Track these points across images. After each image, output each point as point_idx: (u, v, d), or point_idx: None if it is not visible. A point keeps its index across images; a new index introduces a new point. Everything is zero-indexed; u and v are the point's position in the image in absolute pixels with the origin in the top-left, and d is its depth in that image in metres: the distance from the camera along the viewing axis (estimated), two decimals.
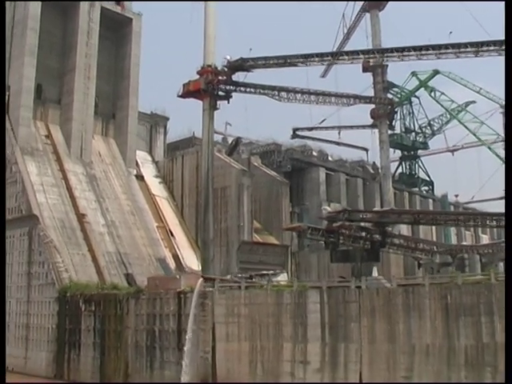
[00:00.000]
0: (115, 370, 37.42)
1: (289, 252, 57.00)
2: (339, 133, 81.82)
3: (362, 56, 46.57)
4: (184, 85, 50.76)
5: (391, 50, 50.39)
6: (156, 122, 62.98)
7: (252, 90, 52.29)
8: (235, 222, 52.65)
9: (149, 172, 59.11)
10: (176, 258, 52.20)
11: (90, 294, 39.83)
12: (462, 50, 46.58)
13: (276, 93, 53.53)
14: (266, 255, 54.38)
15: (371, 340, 29.35)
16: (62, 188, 49.76)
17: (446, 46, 46.86)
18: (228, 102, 51.30)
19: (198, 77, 51.06)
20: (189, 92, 50.52)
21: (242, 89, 51.88)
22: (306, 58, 48.26)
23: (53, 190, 48.92)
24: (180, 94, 51.10)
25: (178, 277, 35.49)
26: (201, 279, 33.42)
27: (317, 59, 47.89)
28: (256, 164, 59.23)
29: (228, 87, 50.96)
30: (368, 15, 74.57)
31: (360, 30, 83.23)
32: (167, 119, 63.97)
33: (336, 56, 47.41)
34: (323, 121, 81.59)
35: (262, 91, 52.96)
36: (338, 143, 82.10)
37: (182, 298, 34.34)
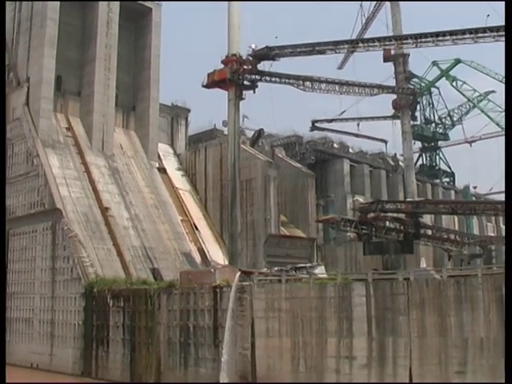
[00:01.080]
0: (146, 367, 36.11)
1: (315, 245, 55.77)
2: (358, 125, 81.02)
3: (394, 42, 44.87)
4: (208, 74, 49.49)
5: (406, 37, 48.87)
6: (177, 113, 61.65)
7: (277, 79, 51.14)
8: (261, 214, 51.36)
9: (171, 165, 57.82)
10: (201, 252, 50.95)
11: (119, 290, 38.50)
12: (480, 35, 45.01)
13: (301, 82, 52.34)
14: (292, 248, 53.12)
15: (421, 334, 28.03)
16: (84, 181, 48.52)
17: (463, 32, 45.29)
18: (254, 92, 50.08)
19: (221, 66, 50.07)
20: (213, 82, 49.23)
21: (268, 78, 50.70)
22: (336, 45, 46.87)
23: (75, 184, 47.70)
24: (204, 83, 49.84)
25: (212, 271, 34.11)
26: (239, 273, 32.05)
27: (346, 46, 46.49)
28: (280, 156, 57.90)
29: (253, 76, 49.68)
30: (387, 4, 73.23)
31: (377, 21, 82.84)
32: (188, 111, 62.64)
33: (367, 42, 45.87)
34: (343, 112, 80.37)
35: (286, 81, 51.85)
36: (357, 135, 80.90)
37: (218, 292, 32.95)
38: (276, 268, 35.52)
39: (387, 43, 45.06)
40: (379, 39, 45.99)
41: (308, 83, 53.12)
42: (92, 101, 52.52)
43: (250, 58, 49.64)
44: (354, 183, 64.39)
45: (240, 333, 31.70)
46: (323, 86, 54.41)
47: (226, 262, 50.71)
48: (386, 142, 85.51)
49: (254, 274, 32.01)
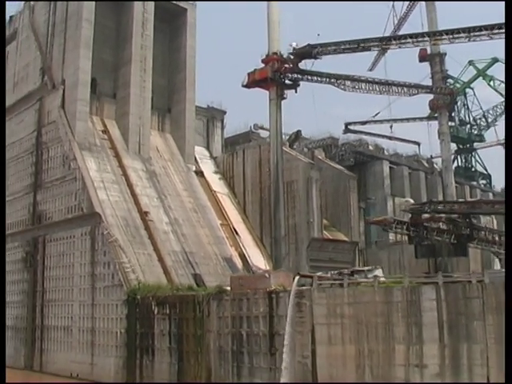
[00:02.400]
0: (195, 377, 34.42)
1: (357, 249, 53.98)
2: (391, 127, 79.15)
3: (446, 36, 42.86)
4: (249, 74, 48.21)
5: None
6: (213, 115, 60.23)
7: (318, 78, 49.63)
8: (304, 217, 49.67)
9: (207, 168, 56.33)
10: (242, 256, 49.31)
11: (164, 296, 36.91)
12: None
13: (342, 81, 50.77)
14: (335, 252, 51.28)
15: (498, 340, 25.93)
16: (122, 185, 47.15)
17: (500, 26, 43.19)
18: (296, 91, 48.69)
19: (261, 66, 48.68)
20: (254, 81, 47.90)
21: (309, 77, 49.20)
22: (382, 42, 45.21)
23: (114, 187, 46.33)
24: (244, 83, 48.51)
25: (266, 275, 32.38)
26: (297, 277, 30.30)
27: (394, 42, 44.74)
28: (320, 157, 56.20)
29: (295, 75, 48.22)
30: (422, 4, 71.47)
31: (408, 21, 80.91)
32: (224, 113, 61.22)
33: (415, 37, 44.06)
34: (377, 114, 78.94)
35: (327, 80, 50.32)
36: (390, 137, 79.06)
37: (274, 297, 31.21)
38: (332, 272, 33.67)
39: (438, 38, 43.06)
40: (428, 34, 44.23)
41: (349, 82, 51.63)
42: (128, 103, 51.23)
43: (291, 57, 48.27)
44: (393, 185, 62.51)
45: (299, 340, 29.92)
46: (363, 85, 53.01)
47: (268, 267, 49.19)
48: (419, 144, 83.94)
49: (313, 278, 30.18)
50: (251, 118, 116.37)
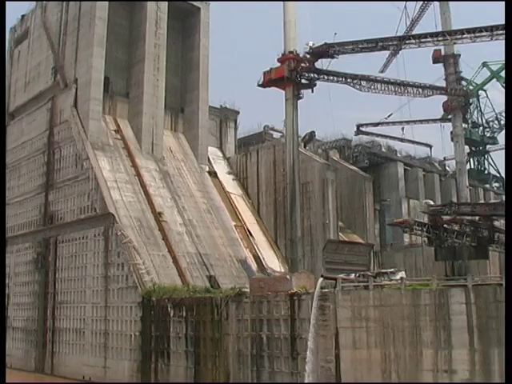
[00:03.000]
0: (213, 381, 33.65)
1: (373, 251, 53.16)
2: (403, 129, 78.42)
3: (467, 36, 41.87)
4: (265, 73, 47.38)
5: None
6: (226, 116, 59.51)
7: (334, 78, 48.87)
8: (320, 219, 48.86)
9: (221, 168, 55.57)
10: (257, 258, 48.49)
11: (181, 298, 36.08)
12: None
13: (358, 81, 50.02)
14: (350, 255, 50.59)
15: None
16: (136, 185, 46.40)
17: None
18: (312, 91, 47.80)
19: (275, 66, 47.89)
20: (270, 80, 47.08)
21: (325, 77, 48.43)
22: (401, 41, 44.37)
23: (127, 187, 45.60)
24: (260, 82, 47.72)
25: (288, 277, 31.54)
26: (321, 279, 29.47)
27: (413, 41, 43.88)
28: (335, 158, 55.38)
29: (311, 75, 47.42)
30: (435, 4, 70.64)
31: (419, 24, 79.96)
32: (237, 113, 60.48)
33: (436, 36, 43.19)
34: (389, 116, 78.08)
35: (344, 79, 49.59)
36: (401, 139, 78.29)
37: (296, 300, 30.39)
38: (354, 274, 32.83)
39: (459, 37, 42.18)
40: (449, 32, 43.39)
41: (365, 83, 50.90)
42: (141, 102, 50.50)
43: (308, 56, 47.49)
44: (407, 187, 61.61)
45: (322, 344, 29.07)
46: (378, 85, 52.31)
47: (283, 269, 48.40)
48: (430, 146, 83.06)
49: (337, 281, 29.35)
50: (264, 118, 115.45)
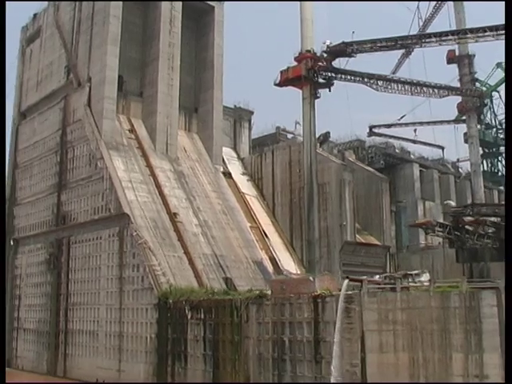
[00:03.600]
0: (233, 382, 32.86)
1: (389, 253, 52.38)
2: (415, 130, 77.77)
3: (490, 33, 40.99)
4: (281, 72, 46.83)
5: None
6: (240, 116, 58.79)
7: (351, 77, 48.26)
8: (336, 220, 48.07)
9: (235, 169, 54.82)
10: (273, 260, 47.71)
11: (199, 300, 35.30)
12: None
13: (374, 81, 49.42)
14: (367, 257, 49.77)
15: None
16: (150, 185, 45.71)
17: None
18: (329, 90, 47.25)
19: (292, 65, 47.35)
20: (287, 79, 46.57)
21: (342, 76, 47.81)
22: (421, 39, 43.64)
23: (142, 187, 44.90)
24: (277, 82, 47.20)
25: (311, 279, 30.78)
26: (346, 280, 28.69)
27: (434, 39, 43.07)
28: (351, 159, 54.62)
29: (329, 74, 46.79)
30: (449, 4, 69.87)
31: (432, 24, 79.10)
32: (251, 113, 59.77)
33: (457, 34, 42.44)
34: (402, 117, 77.36)
35: (360, 79, 48.96)
36: (414, 141, 77.61)
37: (320, 302, 29.62)
38: (379, 276, 32.04)
39: (480, 35, 41.38)
40: (471, 30, 42.55)
41: (381, 82, 50.32)
42: (155, 101, 49.85)
43: (325, 55, 46.88)
44: (422, 189, 60.87)
45: (348, 348, 28.26)
46: (395, 85, 51.74)
47: (299, 272, 47.67)
48: (443, 148, 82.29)
49: (363, 282, 28.58)
50: (278, 118, 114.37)
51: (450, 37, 42.55)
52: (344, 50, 45.99)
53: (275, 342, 31.21)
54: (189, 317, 35.77)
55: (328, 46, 46.67)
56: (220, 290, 37.16)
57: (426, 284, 30.16)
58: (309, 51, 46.30)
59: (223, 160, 54.24)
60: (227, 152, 55.97)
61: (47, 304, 48.19)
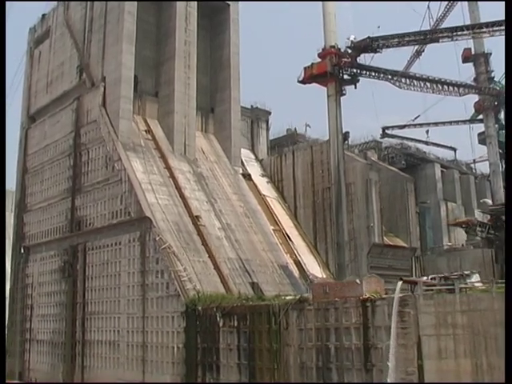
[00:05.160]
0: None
1: (415, 255, 50.64)
2: (427, 132, 76.24)
3: None
4: (305, 68, 45.12)
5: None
6: (257, 116, 57.05)
7: (376, 74, 46.74)
8: (363, 222, 46.33)
9: (254, 171, 53.02)
10: (298, 264, 45.84)
11: (231, 307, 33.32)
12: None
13: (398, 78, 47.98)
14: (394, 259, 48.03)
15: None
16: (170, 187, 43.81)
17: None
18: (355, 87, 45.64)
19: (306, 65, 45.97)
20: (311, 76, 44.98)
21: (366, 72, 46.23)
22: (452, 32, 42.01)
23: (162, 190, 42.99)
24: (300, 78, 45.57)
25: (357, 281, 28.88)
26: (400, 282, 26.82)
27: (467, 32, 41.48)
28: (373, 159, 52.89)
29: (354, 70, 45.16)
30: (462, 4, 68.52)
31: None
32: (269, 113, 58.00)
33: (492, 26, 40.73)
34: (416, 118, 75.79)
35: (384, 76, 47.50)
36: (426, 142, 76.06)
37: (370, 306, 27.72)
38: (432, 276, 30.06)
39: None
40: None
41: (404, 79, 48.95)
42: (172, 101, 48.00)
43: (349, 51, 45.27)
44: (444, 189, 59.21)
45: (402, 354, 26.29)
46: (417, 83, 50.38)
47: (324, 275, 45.86)
48: (455, 149, 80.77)
49: (418, 284, 26.72)
50: (291, 119, 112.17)
51: (484, 29, 40.97)
52: (369, 45, 44.46)
53: (319, 350, 29.25)
54: (220, 324, 33.79)
55: (352, 42, 45.10)
56: (253, 295, 35.17)
57: (477, 285, 28.40)
58: (333, 47, 44.77)
59: (241, 161, 52.34)
60: (245, 153, 54.15)
61: (62, 314, 46.10)
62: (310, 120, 72.24)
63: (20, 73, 58.44)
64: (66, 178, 48.45)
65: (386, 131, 74.23)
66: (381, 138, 72.76)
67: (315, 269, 46.19)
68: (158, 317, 37.55)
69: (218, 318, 33.91)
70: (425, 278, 30.49)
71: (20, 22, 74.31)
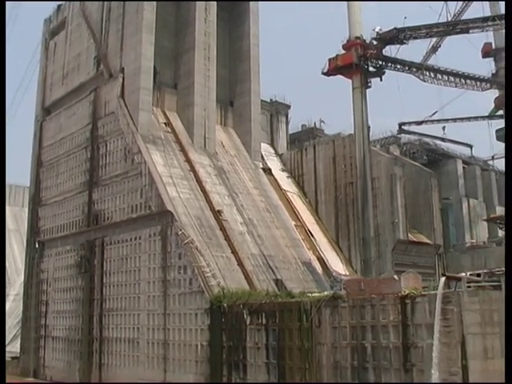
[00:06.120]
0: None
1: (438, 253, 49.55)
2: (444, 128, 75.01)
3: None
4: (330, 60, 44.01)
5: None
6: (277, 110, 55.89)
7: (401, 66, 45.65)
8: (388, 218, 45.21)
9: (274, 165, 51.87)
10: (320, 260, 44.73)
11: (259, 304, 32.18)
12: None
13: (423, 71, 46.91)
14: (418, 256, 47.00)
15: None
16: (191, 181, 42.68)
17: None
18: (381, 80, 44.57)
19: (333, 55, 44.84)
20: (336, 68, 43.81)
21: (392, 65, 45.15)
22: (484, 22, 40.88)
23: (183, 183, 41.86)
24: (325, 70, 44.47)
25: (395, 278, 27.78)
26: (443, 278, 25.68)
27: (499, 22, 40.27)
28: (396, 154, 51.75)
29: (379, 62, 44.05)
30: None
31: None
32: (288, 107, 56.84)
33: None
34: (434, 113, 74.57)
35: (408, 69, 46.42)
36: (443, 139, 74.86)
37: (409, 303, 26.56)
38: (477, 272, 28.90)
39: None
40: None
41: (429, 73, 47.90)
42: (191, 93, 46.87)
43: (374, 42, 44.15)
44: (465, 185, 58.08)
45: (445, 354, 25.13)
46: (441, 76, 49.31)
47: (347, 272, 44.75)
48: (471, 146, 79.75)
49: (462, 280, 25.60)
50: (312, 114, 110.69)
51: None
52: (396, 36, 43.25)
53: (355, 349, 28.08)
54: (247, 322, 32.65)
55: (378, 33, 43.95)
56: (281, 292, 34.06)
57: None
58: (358, 38, 43.60)
59: (261, 156, 51.21)
60: (264, 148, 52.99)
61: (78, 310, 45.05)
62: (326, 115, 70.94)
63: (33, 65, 57.42)
64: (83, 172, 47.35)
65: (403, 127, 73.30)
66: (397, 133, 71.88)
67: (338, 265, 45.11)
68: (181, 314, 36.43)
69: (245, 316, 32.76)
70: (466, 274, 29.37)
71: (34, 13, 73.18)
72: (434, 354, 24.71)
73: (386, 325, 27.17)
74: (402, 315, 26.70)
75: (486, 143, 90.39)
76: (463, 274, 26.15)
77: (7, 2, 49.33)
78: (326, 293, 32.16)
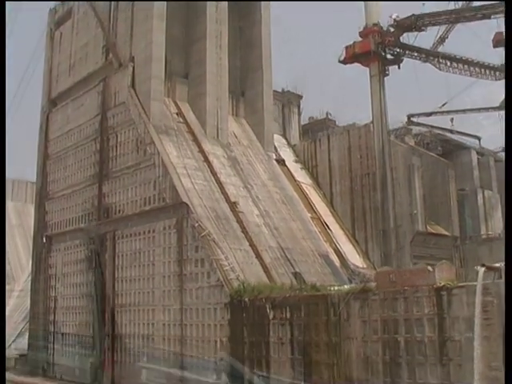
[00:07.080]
0: None
1: (455, 244, 48.67)
2: (452, 120, 74.08)
3: None
4: (347, 47, 42.94)
5: None
6: (289, 100, 54.70)
7: (418, 54, 44.67)
8: (406, 209, 44.17)
9: (287, 156, 50.76)
10: (338, 253, 43.70)
11: (283, 297, 31.08)
12: None
13: (440, 60, 45.94)
14: (436, 248, 46.01)
15: None
16: (206, 172, 41.50)
17: None
18: (399, 68, 43.62)
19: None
20: (353, 55, 42.83)
21: (409, 53, 44.16)
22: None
23: (197, 175, 40.66)
24: (341, 58, 43.45)
25: (429, 269, 26.70)
26: (482, 269, 24.62)
27: None
28: (411, 144, 50.75)
29: (397, 50, 43.02)
30: None
31: None
32: (300, 97, 55.66)
33: None
34: (444, 105, 73.61)
35: (425, 57, 45.45)
36: (451, 131, 73.96)
37: (445, 295, 25.51)
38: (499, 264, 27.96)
39: None
40: None
41: (445, 61, 46.96)
42: (203, 82, 45.62)
43: (392, 29, 43.11)
44: (479, 177, 57.15)
45: (485, 348, 24.16)
46: (459, 65, 48.47)
47: (365, 265, 43.76)
48: (479, 138, 78.95)
49: (499, 270, 24.53)
50: (323, 105, 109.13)
51: None
52: (414, 23, 42.21)
53: (386, 343, 27.00)
54: (271, 317, 31.52)
55: (395, 20, 42.90)
56: (305, 285, 32.98)
57: None
58: (376, 25, 42.50)
59: (274, 147, 50.08)
60: (277, 138, 51.79)
61: (89, 306, 43.86)
62: (338, 107, 69.91)
63: (38, 56, 56.05)
64: (92, 164, 46.12)
65: (412, 119, 72.32)
66: (407, 125, 70.88)
67: (355, 258, 44.12)
68: (198, 309, 35.30)
69: (268, 310, 31.66)
70: (497, 264, 28.37)
71: (38, 3, 71.36)
72: (476, 348, 23.65)
73: (420, 318, 26.08)
74: (437, 308, 25.64)
75: (489, 137, 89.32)
76: (498, 265, 25.04)
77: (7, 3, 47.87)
78: (351, 285, 31.19)
